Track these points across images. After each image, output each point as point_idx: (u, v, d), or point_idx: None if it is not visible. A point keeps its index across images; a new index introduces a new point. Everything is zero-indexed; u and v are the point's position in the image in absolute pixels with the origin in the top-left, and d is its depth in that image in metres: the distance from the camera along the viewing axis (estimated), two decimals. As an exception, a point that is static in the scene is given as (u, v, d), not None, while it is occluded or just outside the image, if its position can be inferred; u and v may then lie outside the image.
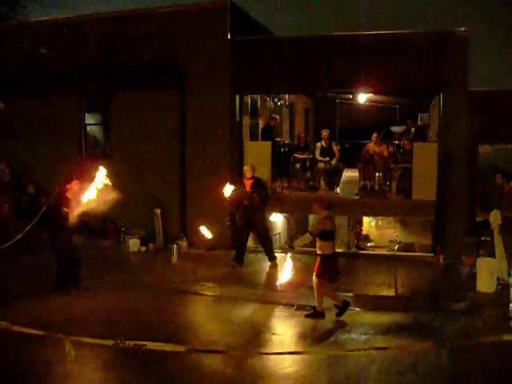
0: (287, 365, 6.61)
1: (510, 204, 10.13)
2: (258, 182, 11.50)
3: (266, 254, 11.66)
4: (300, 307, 8.85)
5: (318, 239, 8.29)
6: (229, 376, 6.34)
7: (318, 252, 8.33)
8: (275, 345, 7.53)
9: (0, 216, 13.87)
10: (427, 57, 11.88)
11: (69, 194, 9.32)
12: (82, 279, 9.64)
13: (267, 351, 7.10)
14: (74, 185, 9.41)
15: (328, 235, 8.26)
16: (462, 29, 11.72)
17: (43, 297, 9.16)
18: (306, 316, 8.45)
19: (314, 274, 8.34)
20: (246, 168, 11.83)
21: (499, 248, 10.05)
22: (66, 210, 9.25)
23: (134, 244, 13.04)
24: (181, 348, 5.38)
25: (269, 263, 11.61)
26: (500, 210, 10.11)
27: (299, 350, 6.77)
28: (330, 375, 6.36)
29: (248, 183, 11.49)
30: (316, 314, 8.42)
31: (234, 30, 13.10)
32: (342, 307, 8.41)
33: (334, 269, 8.35)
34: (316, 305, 8.45)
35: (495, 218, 10.11)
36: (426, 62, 11.87)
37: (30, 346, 6.53)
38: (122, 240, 13.51)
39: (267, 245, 11.75)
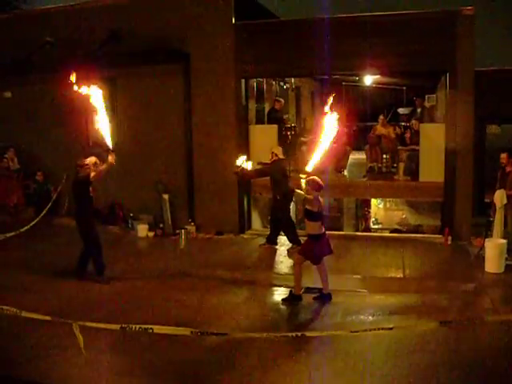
0: (292, 346, 6.68)
1: None
2: None
3: (290, 237, 11.55)
4: (308, 290, 8.87)
5: (306, 220, 8.31)
6: (236, 358, 6.40)
7: (310, 232, 8.31)
8: (281, 327, 7.60)
9: (10, 203, 14.02)
10: (433, 37, 11.75)
11: (91, 176, 9.21)
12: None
13: (273, 333, 7.14)
14: (91, 163, 9.35)
15: (317, 216, 8.20)
16: (468, 7, 11.59)
17: (53, 283, 9.25)
18: (283, 300, 8.48)
19: (298, 253, 8.43)
20: (279, 148, 11.76)
21: (498, 227, 10.12)
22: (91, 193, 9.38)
23: (142, 229, 13.10)
24: (187, 331, 5.41)
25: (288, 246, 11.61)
26: (504, 189, 10.13)
27: (304, 331, 6.78)
28: (335, 356, 6.41)
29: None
30: (293, 297, 8.45)
31: (239, 13, 13.03)
32: (291, 298, 8.42)
33: (322, 249, 8.29)
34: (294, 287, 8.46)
35: (501, 197, 10.10)
36: (432, 42, 11.74)
37: (38, 331, 6.69)
38: (130, 226, 13.58)
39: (293, 228, 11.69)
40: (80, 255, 9.63)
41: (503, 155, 10.47)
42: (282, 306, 8.37)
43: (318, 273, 8.45)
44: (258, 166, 11.82)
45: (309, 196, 8.10)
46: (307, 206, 8.21)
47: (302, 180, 8.22)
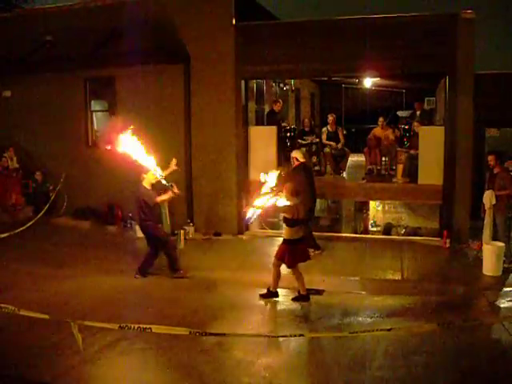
0: (292, 347, 6.69)
1: (500, 184, 10.28)
2: None
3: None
4: (310, 291, 8.88)
5: (284, 225, 8.38)
6: (234, 358, 6.40)
7: (285, 237, 8.40)
8: (280, 327, 7.61)
9: (9, 203, 14.02)
10: (433, 39, 11.76)
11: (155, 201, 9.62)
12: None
13: (273, 333, 7.15)
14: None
15: (296, 222, 8.30)
16: (468, 11, 11.61)
17: (50, 282, 9.25)
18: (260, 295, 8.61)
19: (285, 263, 8.43)
20: (299, 152, 11.49)
21: (487, 227, 10.23)
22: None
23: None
24: (185, 331, 5.42)
25: None
26: (493, 190, 10.23)
27: (304, 332, 6.79)
28: (334, 357, 6.41)
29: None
30: (302, 297, 8.52)
31: (239, 14, 13.04)
32: (269, 294, 8.56)
33: (299, 254, 8.38)
34: (300, 290, 8.53)
35: (489, 198, 10.19)
36: (431, 44, 11.75)
37: (37, 329, 6.69)
38: (128, 226, 13.57)
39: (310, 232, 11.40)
40: (146, 256, 9.89)
41: (490, 157, 10.56)
42: (279, 307, 8.38)
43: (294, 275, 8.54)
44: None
45: (286, 203, 8.23)
46: (284, 213, 8.33)
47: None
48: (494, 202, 10.20)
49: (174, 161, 9.47)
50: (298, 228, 8.35)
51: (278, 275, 8.56)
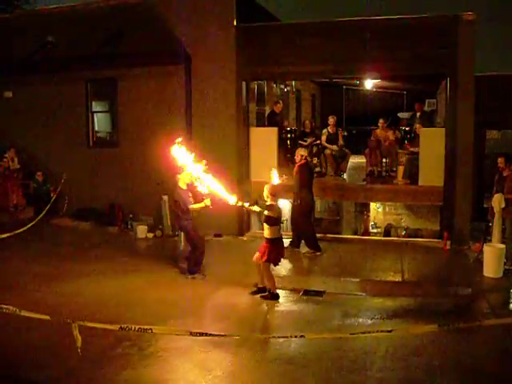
0: (291, 348, 6.70)
1: (510, 187, 10.25)
2: None
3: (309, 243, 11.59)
4: (306, 292, 8.90)
5: (265, 224, 8.52)
6: (230, 359, 6.43)
7: (266, 236, 8.54)
8: (280, 329, 7.61)
9: (10, 203, 14.03)
10: (433, 41, 11.78)
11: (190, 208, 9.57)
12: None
13: (272, 335, 7.16)
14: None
15: (276, 221, 8.51)
16: (469, 13, 11.62)
17: (51, 283, 9.26)
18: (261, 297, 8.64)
19: (262, 258, 8.51)
20: (305, 150, 12.02)
21: (496, 231, 10.19)
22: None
23: (141, 231, 13.09)
24: (186, 333, 5.43)
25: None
26: (502, 193, 10.19)
27: (304, 333, 6.79)
28: (334, 358, 6.42)
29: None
30: (272, 296, 8.58)
31: (240, 16, 13.06)
32: (261, 290, 8.68)
33: (279, 252, 8.57)
34: (270, 288, 8.60)
35: (498, 201, 10.16)
36: (432, 46, 11.76)
37: (37, 330, 6.69)
38: (129, 227, 13.58)
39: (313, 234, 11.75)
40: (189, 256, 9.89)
41: (500, 159, 10.53)
42: (280, 309, 8.38)
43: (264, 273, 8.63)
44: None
45: (269, 202, 8.47)
46: (267, 212, 8.45)
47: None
48: (503, 205, 10.15)
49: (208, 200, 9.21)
50: (278, 227, 8.59)
51: (270, 275, 8.65)
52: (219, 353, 6.54)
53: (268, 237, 8.52)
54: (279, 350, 6.63)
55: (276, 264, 8.69)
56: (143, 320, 6.47)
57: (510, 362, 6.45)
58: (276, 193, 8.61)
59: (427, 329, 6.04)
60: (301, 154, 11.51)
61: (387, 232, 16.89)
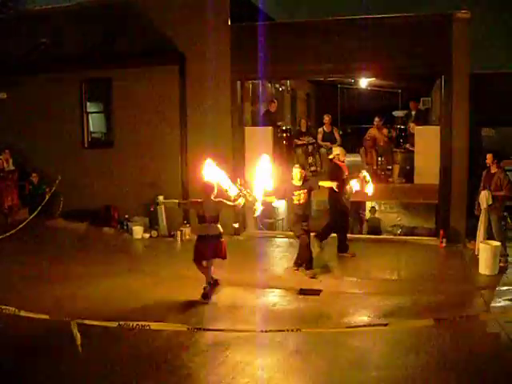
0: (288, 342, 6.75)
1: (497, 185, 10.27)
2: None
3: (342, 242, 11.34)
4: (303, 291, 8.90)
5: (213, 221, 8.69)
6: (231, 353, 6.44)
7: (217, 232, 8.69)
8: (277, 324, 7.62)
9: (5, 205, 13.97)
10: (428, 40, 11.81)
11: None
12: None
13: (270, 329, 7.16)
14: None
15: (201, 218, 8.70)
16: (463, 11, 11.65)
17: (46, 284, 9.24)
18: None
19: (206, 257, 8.73)
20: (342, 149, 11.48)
21: (482, 227, 10.26)
22: None
23: (137, 231, 13.09)
24: (184, 328, 5.44)
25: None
26: (489, 190, 10.24)
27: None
28: (329, 355, 6.43)
29: (344, 166, 11.28)
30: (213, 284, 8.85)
31: (235, 15, 13.06)
32: (211, 288, 8.76)
33: (206, 248, 8.66)
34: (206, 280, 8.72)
35: (485, 198, 10.20)
36: (427, 44, 11.80)
37: (37, 330, 6.68)
38: (125, 227, 13.56)
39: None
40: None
41: (488, 155, 10.54)
42: (277, 308, 8.38)
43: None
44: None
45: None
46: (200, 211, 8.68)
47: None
48: (490, 202, 10.21)
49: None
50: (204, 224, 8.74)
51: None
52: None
53: (218, 232, 8.68)
54: (275, 345, 6.67)
55: (207, 259, 8.76)
56: (142, 319, 6.44)
57: (505, 360, 6.46)
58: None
59: (423, 323, 6.06)
60: (337, 152, 11.23)
61: (373, 213, 16.99)
